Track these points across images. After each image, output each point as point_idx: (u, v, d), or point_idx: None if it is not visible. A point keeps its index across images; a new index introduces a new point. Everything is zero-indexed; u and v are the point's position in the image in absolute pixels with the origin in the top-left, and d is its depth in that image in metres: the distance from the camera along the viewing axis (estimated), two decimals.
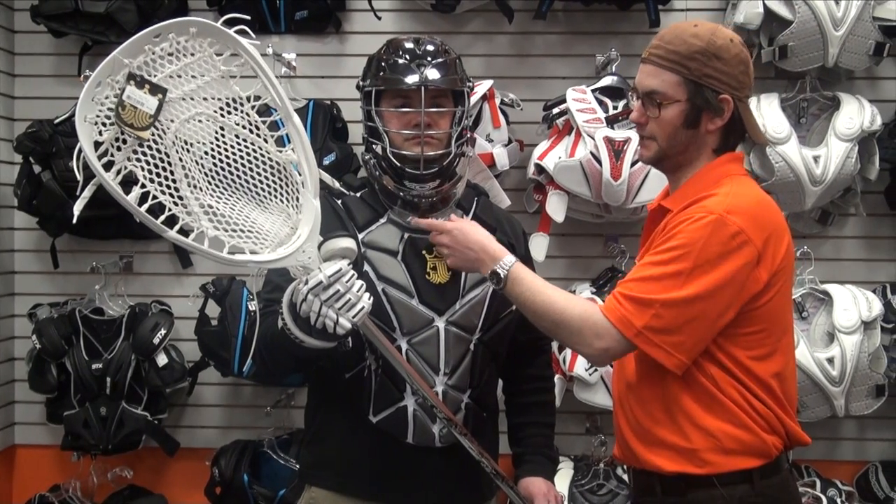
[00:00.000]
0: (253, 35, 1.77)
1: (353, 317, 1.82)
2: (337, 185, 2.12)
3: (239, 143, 1.80)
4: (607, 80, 3.36)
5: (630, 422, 2.00)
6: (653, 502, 1.98)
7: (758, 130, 2.03)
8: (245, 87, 1.79)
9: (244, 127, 1.80)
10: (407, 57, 2.09)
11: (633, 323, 1.83)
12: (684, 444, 1.90)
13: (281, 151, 1.83)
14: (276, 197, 1.84)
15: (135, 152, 1.69)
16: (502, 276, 1.95)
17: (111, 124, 1.66)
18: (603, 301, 3.28)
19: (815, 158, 3.22)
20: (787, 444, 1.95)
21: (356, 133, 3.08)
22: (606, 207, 3.34)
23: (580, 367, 3.23)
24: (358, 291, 1.83)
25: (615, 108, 3.29)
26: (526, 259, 2.29)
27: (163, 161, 1.71)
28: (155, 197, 1.71)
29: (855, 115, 3.27)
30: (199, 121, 1.76)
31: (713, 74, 1.89)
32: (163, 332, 3.45)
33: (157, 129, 1.70)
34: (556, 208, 3.27)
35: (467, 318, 2.10)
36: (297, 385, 3.54)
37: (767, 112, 3.28)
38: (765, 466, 1.90)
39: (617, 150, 3.12)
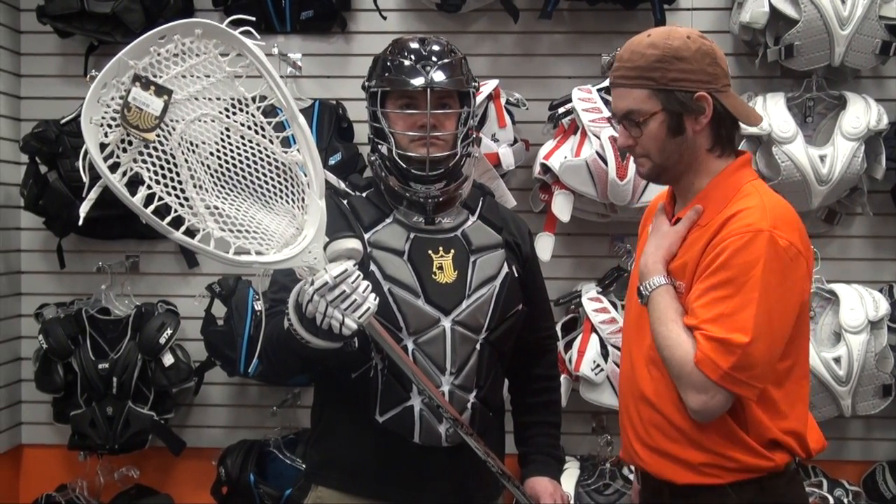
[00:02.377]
0: (258, 36, 1.77)
1: (359, 317, 1.82)
2: (342, 185, 2.13)
3: (244, 144, 1.80)
4: None
5: (638, 432, 1.99)
6: None
7: (750, 112, 2.00)
8: (250, 87, 1.79)
9: (249, 128, 1.80)
10: (412, 58, 2.09)
11: (719, 365, 1.77)
12: (695, 460, 1.89)
13: (286, 152, 1.82)
14: (281, 197, 1.84)
15: (140, 153, 1.69)
16: (644, 294, 1.91)
17: (117, 126, 1.67)
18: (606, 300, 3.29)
19: (822, 158, 3.22)
20: (800, 454, 1.94)
21: (362, 133, 3.09)
22: (612, 207, 3.33)
23: (586, 366, 3.23)
24: (364, 292, 1.83)
25: None
26: (531, 259, 2.29)
27: (168, 162, 1.72)
28: (161, 198, 1.71)
29: (861, 115, 3.26)
30: (205, 122, 1.76)
31: (680, 77, 1.86)
32: (169, 331, 3.46)
33: (163, 130, 1.70)
34: (561, 208, 3.26)
35: (473, 318, 2.10)
36: (303, 385, 3.54)
37: (773, 111, 3.27)
38: (772, 472, 1.91)
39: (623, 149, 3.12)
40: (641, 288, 1.92)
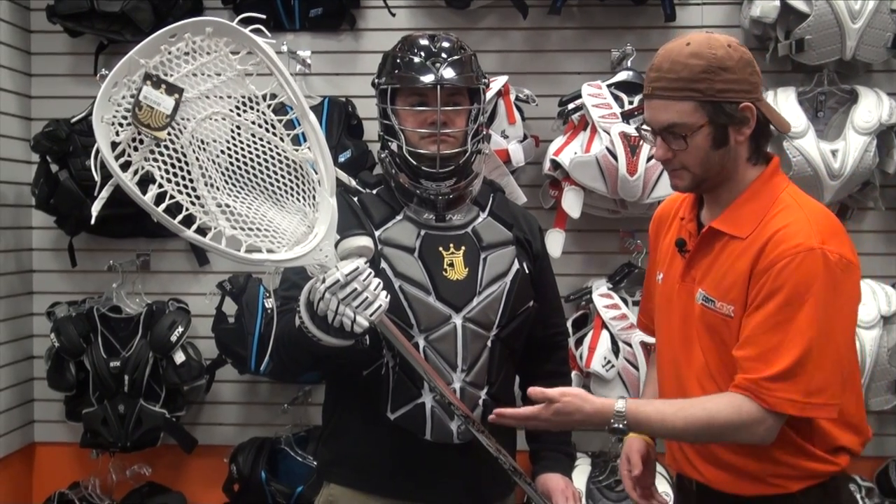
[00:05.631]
0: (268, 34, 1.78)
1: (371, 315, 1.82)
2: (353, 182, 2.13)
3: (255, 142, 1.81)
4: (623, 75, 3.36)
5: (697, 447, 1.96)
6: None
7: (782, 120, 1.95)
8: (261, 85, 1.79)
9: (260, 126, 1.81)
10: (422, 54, 2.09)
11: (795, 399, 1.76)
12: (764, 472, 1.88)
13: (297, 150, 1.83)
14: (292, 195, 1.85)
15: (152, 152, 1.70)
16: (622, 427, 1.82)
17: (128, 124, 1.67)
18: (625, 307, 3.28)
19: (833, 152, 3.21)
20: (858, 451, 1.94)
21: (372, 130, 3.08)
22: (622, 203, 3.33)
23: (597, 363, 3.23)
24: (375, 290, 1.83)
25: (631, 102, 3.29)
26: (542, 255, 2.29)
27: (179, 161, 1.72)
28: (172, 196, 1.71)
29: (873, 109, 3.25)
30: (216, 120, 1.76)
31: (726, 88, 1.80)
32: (180, 329, 3.47)
33: (174, 128, 1.71)
34: (571, 204, 3.26)
35: (484, 315, 2.10)
36: (314, 382, 3.55)
37: (784, 106, 3.26)
38: (835, 474, 1.91)
39: (633, 145, 3.12)
40: (614, 426, 1.82)
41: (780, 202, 1.87)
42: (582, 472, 3.31)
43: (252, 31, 1.75)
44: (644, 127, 1.92)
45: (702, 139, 1.82)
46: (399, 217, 2.14)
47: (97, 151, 1.66)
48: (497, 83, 3.27)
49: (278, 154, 1.83)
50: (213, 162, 1.76)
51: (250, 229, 1.78)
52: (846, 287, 1.81)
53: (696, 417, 1.81)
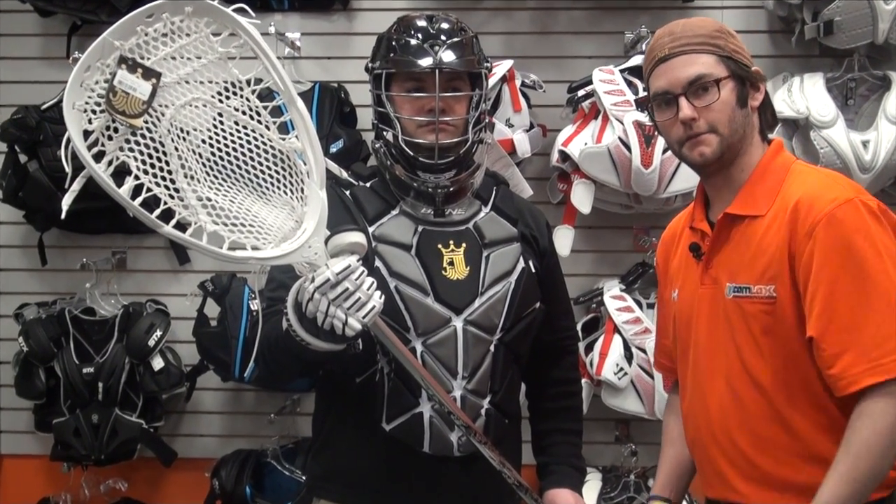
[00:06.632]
0: (252, 14, 1.78)
1: (364, 317, 1.82)
2: (345, 174, 2.13)
3: (239, 131, 1.81)
4: (637, 60, 3.35)
5: (738, 465, 1.91)
6: None
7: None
8: (245, 69, 1.79)
9: (244, 113, 1.81)
10: (420, 36, 2.09)
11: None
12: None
13: (284, 139, 1.83)
14: (279, 188, 1.85)
15: (127, 141, 1.70)
16: None
17: (101, 111, 1.67)
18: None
19: (864, 143, 3.20)
20: None
21: (365, 118, 3.08)
22: (636, 197, 3.33)
23: (608, 370, 3.23)
24: (368, 289, 1.83)
25: (646, 89, 3.28)
26: (549, 253, 2.29)
27: (157, 150, 1.72)
28: (149, 189, 1.71)
29: None
30: (196, 107, 1.77)
31: (737, 49, 1.94)
32: (158, 333, 3.47)
33: (151, 116, 1.71)
34: (581, 198, 3.26)
35: (487, 317, 2.10)
36: (304, 390, 3.55)
37: (811, 93, 3.26)
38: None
39: (648, 135, 3.11)
40: None
41: (792, 172, 1.94)
42: (592, 487, 3.31)
43: (235, 10, 1.75)
44: (660, 94, 1.96)
45: (728, 91, 1.91)
46: (395, 212, 2.14)
47: (68, 140, 1.66)
48: (501, 68, 3.27)
49: (264, 143, 1.83)
50: (194, 152, 1.77)
51: (234, 224, 1.78)
52: (890, 230, 1.83)
53: (870, 451, 1.74)
